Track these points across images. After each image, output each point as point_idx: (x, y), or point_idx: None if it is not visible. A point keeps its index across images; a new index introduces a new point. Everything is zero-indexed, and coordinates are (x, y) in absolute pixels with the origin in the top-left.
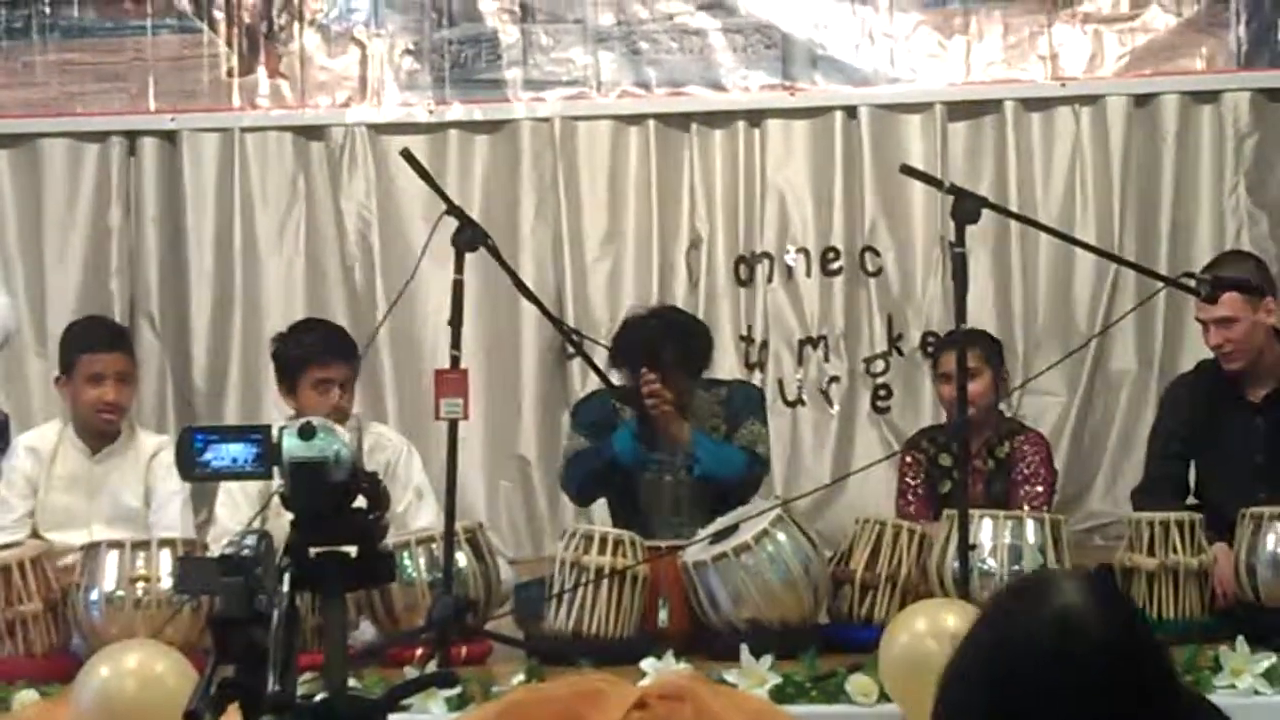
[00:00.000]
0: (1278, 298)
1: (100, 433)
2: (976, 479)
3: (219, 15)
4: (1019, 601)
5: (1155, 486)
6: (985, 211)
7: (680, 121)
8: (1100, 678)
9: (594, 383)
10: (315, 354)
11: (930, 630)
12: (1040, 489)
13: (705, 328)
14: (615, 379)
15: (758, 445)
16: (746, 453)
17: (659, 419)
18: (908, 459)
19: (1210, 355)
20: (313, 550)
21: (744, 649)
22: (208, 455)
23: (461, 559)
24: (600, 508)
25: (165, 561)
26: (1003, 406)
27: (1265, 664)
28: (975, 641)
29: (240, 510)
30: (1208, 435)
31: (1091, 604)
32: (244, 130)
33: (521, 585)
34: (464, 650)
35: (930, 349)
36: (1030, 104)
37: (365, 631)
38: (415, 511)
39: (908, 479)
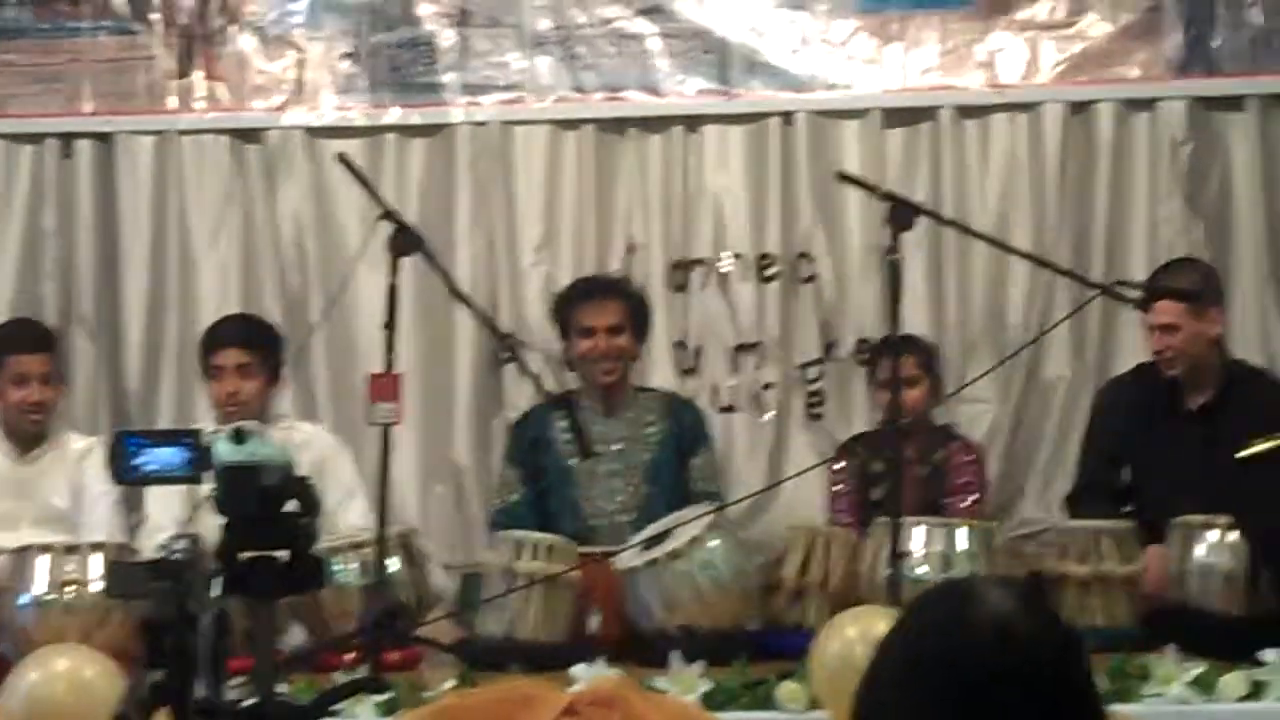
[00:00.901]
0: (1222, 307)
1: (28, 435)
2: (910, 485)
3: (155, 17)
4: (947, 609)
5: (1088, 492)
6: (921, 218)
7: (617, 126)
8: (1037, 685)
9: (529, 389)
10: (213, 341)
11: (861, 637)
12: (973, 498)
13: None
14: (551, 384)
15: (714, 481)
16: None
17: (604, 391)
18: (838, 466)
19: (1149, 359)
20: (243, 555)
21: (675, 655)
22: (139, 459)
23: (394, 564)
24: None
25: (96, 565)
26: (937, 413)
27: (1194, 673)
28: (900, 651)
29: (171, 507)
30: (1142, 441)
31: (1023, 612)
32: (180, 133)
33: (468, 576)
34: (395, 656)
35: (865, 356)
36: (967, 111)
37: (295, 636)
38: (345, 510)
39: (839, 486)
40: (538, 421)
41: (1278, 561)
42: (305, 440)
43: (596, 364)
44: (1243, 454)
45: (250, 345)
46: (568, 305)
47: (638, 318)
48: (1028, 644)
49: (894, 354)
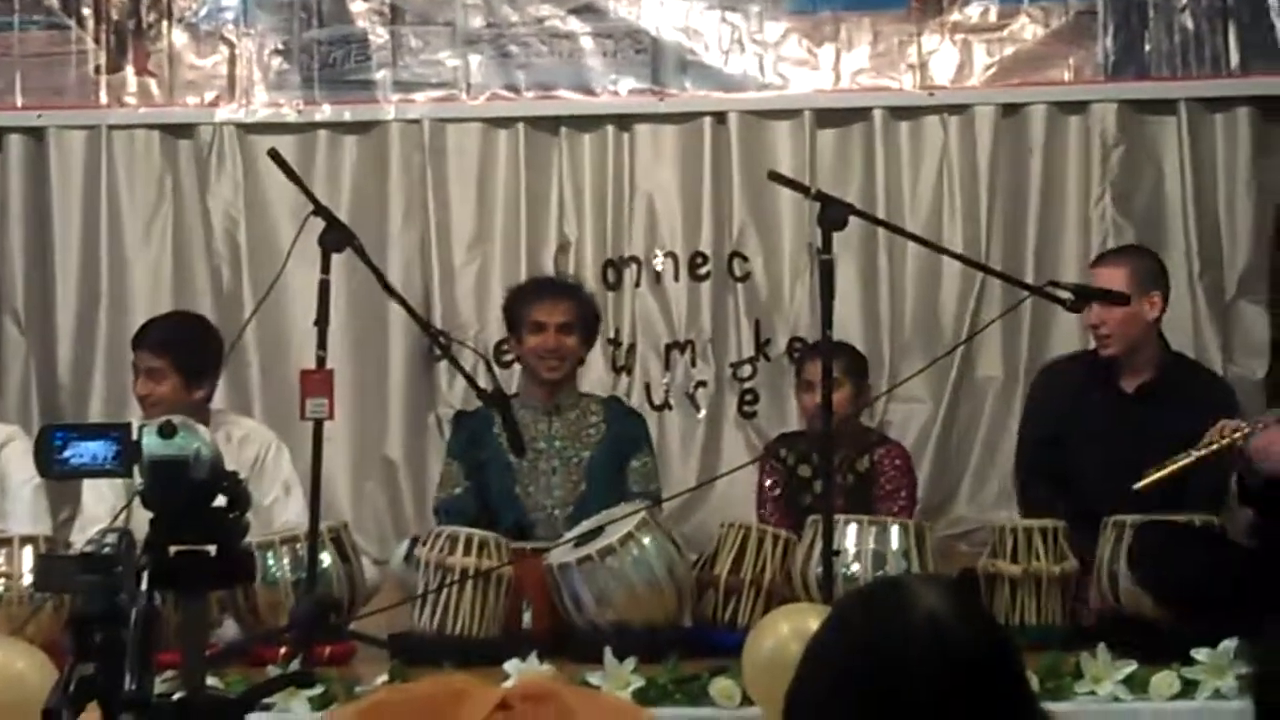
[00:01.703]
0: (1167, 296)
1: None
2: (836, 494)
3: (87, 12)
4: (880, 607)
5: (1033, 478)
6: (853, 219)
7: (549, 125)
8: (970, 683)
9: (460, 386)
10: (136, 340)
11: (794, 634)
12: (903, 503)
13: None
14: (483, 381)
15: (653, 483)
16: (647, 498)
17: (548, 389)
18: (766, 468)
19: (1079, 349)
20: (172, 549)
21: (608, 651)
22: (67, 453)
23: (326, 559)
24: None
25: (26, 559)
26: (864, 418)
27: (1126, 671)
28: (832, 648)
29: (106, 500)
30: (1077, 421)
31: (955, 609)
32: (111, 128)
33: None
34: (327, 650)
35: (796, 355)
36: (898, 112)
37: (228, 630)
38: (283, 505)
39: (766, 487)
40: (480, 415)
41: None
42: (244, 436)
43: (543, 360)
44: (1139, 485)
45: (161, 349)
46: (520, 301)
47: (587, 322)
48: (960, 642)
49: (826, 356)
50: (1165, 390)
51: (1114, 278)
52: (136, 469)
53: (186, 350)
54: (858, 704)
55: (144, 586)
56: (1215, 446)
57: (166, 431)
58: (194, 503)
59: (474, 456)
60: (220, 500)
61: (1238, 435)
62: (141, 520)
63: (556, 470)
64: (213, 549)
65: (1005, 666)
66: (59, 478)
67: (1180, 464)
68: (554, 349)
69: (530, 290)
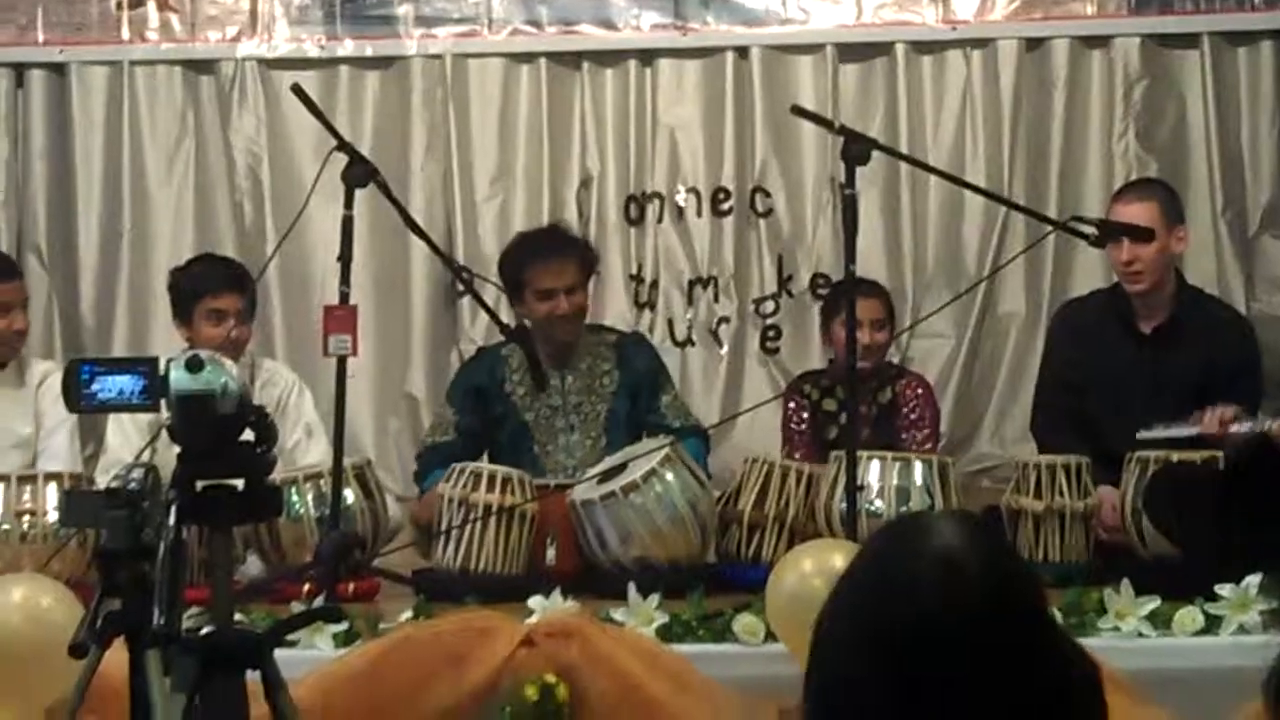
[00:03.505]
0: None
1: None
2: (862, 424)
3: None
4: (897, 543)
5: (1051, 417)
6: (875, 154)
7: (571, 60)
8: (983, 615)
9: (483, 321)
10: (208, 285)
11: (817, 570)
12: (926, 432)
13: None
14: (505, 316)
15: (689, 417)
16: (697, 437)
17: (561, 341)
18: (791, 404)
19: (1101, 286)
20: (199, 483)
21: (631, 588)
22: (95, 387)
23: (349, 495)
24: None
25: (51, 495)
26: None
27: (1149, 607)
28: (854, 583)
29: (131, 440)
30: (1095, 363)
31: (970, 543)
32: (133, 64)
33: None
34: (351, 587)
35: (822, 291)
36: (921, 47)
37: (252, 566)
38: (305, 448)
39: (792, 424)
40: (488, 369)
41: (1160, 503)
42: (268, 377)
43: (558, 325)
44: (1144, 435)
45: (243, 288)
46: (521, 266)
47: (588, 269)
48: (976, 579)
49: (850, 295)
50: (1182, 330)
51: (1143, 213)
52: (164, 403)
53: (253, 287)
54: (876, 639)
55: (172, 521)
56: (1212, 432)
57: (194, 366)
58: (221, 437)
59: (481, 409)
60: (247, 434)
61: (1237, 433)
62: (167, 456)
63: (575, 428)
64: (240, 483)
65: (1022, 602)
66: (86, 411)
67: (1180, 433)
68: (567, 313)
69: (527, 254)
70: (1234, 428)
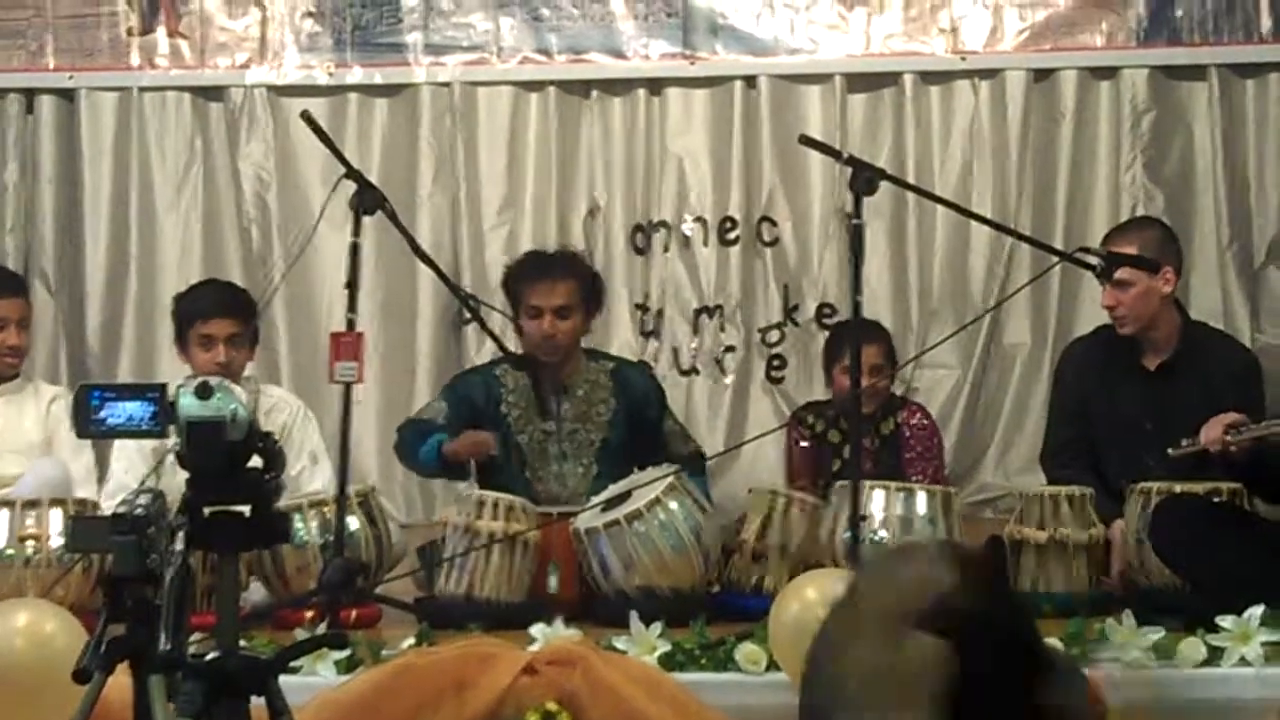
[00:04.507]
0: (1179, 268)
1: (2, 378)
2: (865, 457)
3: None
4: (884, 573)
5: (1061, 452)
6: (883, 184)
7: (580, 89)
8: (970, 643)
9: (490, 349)
10: (198, 310)
11: (821, 600)
12: (934, 464)
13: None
14: (511, 344)
15: (689, 443)
16: (695, 459)
17: (549, 366)
18: (794, 434)
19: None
20: (207, 509)
21: (634, 616)
22: (104, 413)
23: (353, 522)
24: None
25: (56, 520)
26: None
27: (1151, 637)
28: (845, 615)
29: (134, 465)
30: (1102, 400)
31: (959, 571)
32: (142, 90)
33: (426, 547)
34: (354, 614)
35: (828, 322)
36: (929, 77)
37: (255, 593)
38: (310, 476)
39: (795, 454)
40: (484, 386)
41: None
42: (273, 405)
43: (541, 346)
44: (1174, 452)
45: (241, 315)
46: (517, 280)
47: (588, 295)
48: (964, 613)
49: (855, 325)
50: (1187, 364)
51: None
52: (172, 429)
53: (252, 314)
54: (866, 669)
55: (179, 546)
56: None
57: (203, 392)
58: (230, 463)
59: (471, 416)
60: (255, 461)
61: (1239, 439)
62: (170, 482)
63: (568, 455)
64: (247, 509)
65: (1011, 626)
66: (95, 437)
67: (1185, 453)
68: (549, 335)
69: (528, 269)
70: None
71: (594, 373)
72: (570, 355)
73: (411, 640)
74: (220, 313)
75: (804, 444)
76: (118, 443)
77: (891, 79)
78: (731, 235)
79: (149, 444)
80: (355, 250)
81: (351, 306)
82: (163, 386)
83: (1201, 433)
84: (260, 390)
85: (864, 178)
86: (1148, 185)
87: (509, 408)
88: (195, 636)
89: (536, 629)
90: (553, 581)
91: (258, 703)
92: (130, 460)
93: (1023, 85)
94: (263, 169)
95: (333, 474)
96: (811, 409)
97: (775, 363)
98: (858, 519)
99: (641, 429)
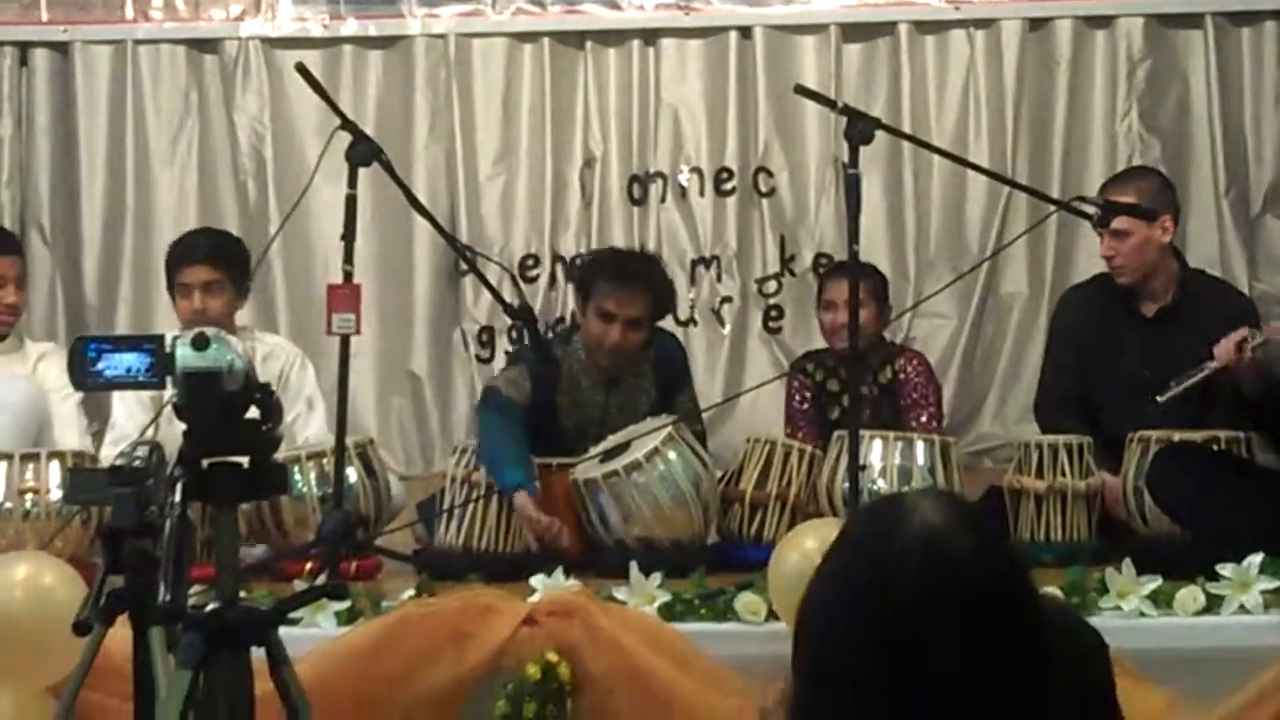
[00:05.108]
0: (1176, 216)
1: None
2: (864, 405)
3: None
4: (879, 523)
5: (1054, 401)
6: (879, 133)
7: (575, 40)
8: (970, 590)
9: (486, 301)
10: (177, 259)
11: (819, 549)
12: (932, 410)
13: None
14: (507, 295)
15: (696, 422)
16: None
17: (604, 367)
18: (794, 384)
19: (1104, 269)
20: (205, 461)
21: (633, 566)
22: (101, 365)
23: (352, 474)
24: None
25: (54, 473)
26: (887, 333)
27: (1151, 586)
28: (834, 566)
29: (136, 415)
30: (1099, 348)
31: (952, 520)
32: (137, 42)
33: (425, 501)
34: (354, 565)
35: (823, 270)
36: (924, 26)
37: (254, 549)
38: (305, 421)
39: (795, 404)
40: (549, 369)
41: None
42: (269, 352)
43: (605, 352)
44: (1161, 398)
45: (218, 262)
46: (595, 278)
47: (660, 308)
48: (956, 560)
49: (853, 270)
50: (1185, 312)
51: (1122, 217)
52: (170, 380)
53: (237, 260)
54: (856, 622)
55: (177, 498)
56: (1231, 357)
57: (200, 343)
58: (227, 414)
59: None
60: (253, 412)
61: (1254, 345)
62: (170, 432)
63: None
64: (245, 461)
65: (1004, 576)
66: (93, 389)
67: (1198, 377)
68: (616, 345)
69: (609, 270)
70: (1249, 347)
71: (640, 364)
72: (630, 362)
73: (411, 592)
74: (195, 259)
75: (804, 405)
76: (117, 393)
77: (887, 29)
78: (728, 186)
79: (148, 393)
80: (351, 202)
81: (348, 258)
82: (159, 337)
83: (1215, 353)
84: (257, 338)
85: (860, 127)
86: (1144, 134)
87: (562, 395)
88: (195, 588)
89: (536, 580)
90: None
91: (258, 654)
92: (130, 409)
93: (1018, 34)
94: (258, 121)
95: (327, 419)
96: (811, 358)
97: (772, 313)
98: (856, 468)
99: (668, 398)
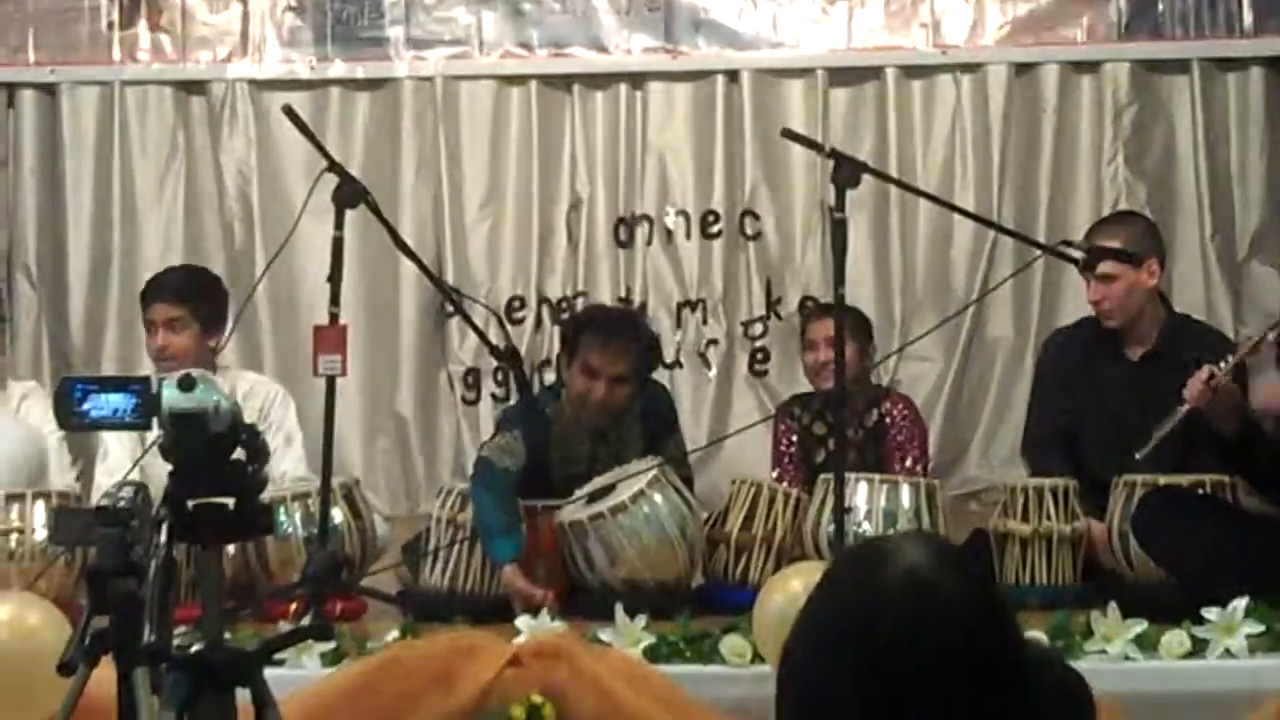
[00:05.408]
0: (1162, 260)
1: None
2: (849, 449)
3: None
4: (863, 566)
5: (1041, 442)
6: (865, 177)
7: (562, 83)
8: (954, 634)
9: (472, 342)
10: (145, 298)
11: (805, 592)
12: (916, 454)
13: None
14: (494, 338)
15: (684, 466)
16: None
17: (586, 420)
18: (781, 426)
19: (1090, 312)
20: (190, 501)
21: (619, 608)
22: (87, 405)
23: (337, 515)
24: None
25: (39, 513)
26: (873, 376)
27: (1136, 630)
28: (818, 607)
29: (127, 446)
30: (1084, 390)
31: (936, 563)
32: (124, 84)
33: (411, 542)
34: (339, 606)
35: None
36: (911, 71)
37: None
38: (281, 454)
39: (782, 447)
40: (538, 426)
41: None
42: (249, 389)
43: (588, 409)
44: (1140, 453)
45: (180, 299)
46: (581, 333)
47: (644, 368)
48: (940, 601)
49: (839, 314)
50: (1170, 355)
51: (1109, 262)
52: (155, 421)
53: (203, 298)
54: (839, 663)
55: (163, 539)
56: (1203, 396)
57: (186, 384)
58: (213, 455)
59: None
60: (239, 453)
61: (1223, 374)
62: (158, 468)
63: (593, 481)
64: (231, 501)
65: (989, 619)
66: (78, 429)
67: (1172, 423)
68: (601, 402)
69: (597, 328)
70: (1218, 380)
71: (627, 415)
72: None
73: (396, 633)
74: (160, 296)
75: (790, 448)
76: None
77: (873, 73)
78: (714, 229)
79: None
80: (338, 244)
81: (334, 300)
82: (146, 378)
83: (1185, 395)
84: (238, 376)
85: (846, 171)
86: (1130, 179)
87: (552, 450)
88: (180, 629)
89: (522, 621)
90: (538, 574)
91: (243, 695)
92: (122, 438)
93: (1004, 79)
94: (245, 163)
95: (304, 456)
96: (797, 401)
97: (758, 356)
98: (841, 511)
99: (655, 447)
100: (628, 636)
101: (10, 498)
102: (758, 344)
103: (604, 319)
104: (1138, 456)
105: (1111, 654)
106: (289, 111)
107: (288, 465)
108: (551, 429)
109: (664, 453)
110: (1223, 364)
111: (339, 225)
